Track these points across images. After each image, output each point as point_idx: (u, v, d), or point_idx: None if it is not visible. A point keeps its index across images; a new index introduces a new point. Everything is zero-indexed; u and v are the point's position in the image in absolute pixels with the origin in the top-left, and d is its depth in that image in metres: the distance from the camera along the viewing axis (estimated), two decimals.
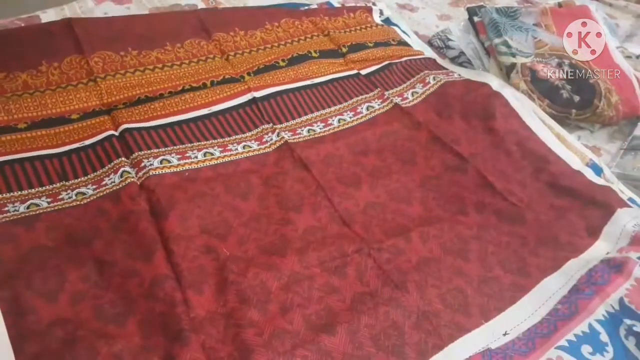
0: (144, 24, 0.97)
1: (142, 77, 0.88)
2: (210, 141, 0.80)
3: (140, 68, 0.89)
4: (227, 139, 0.81)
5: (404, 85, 1.01)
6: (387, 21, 1.22)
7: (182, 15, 1.02)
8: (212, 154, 0.77)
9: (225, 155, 0.78)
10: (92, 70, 0.86)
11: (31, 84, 0.82)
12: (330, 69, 1.00)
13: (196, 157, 0.76)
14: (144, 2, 1.15)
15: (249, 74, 0.94)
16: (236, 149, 0.79)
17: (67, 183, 0.70)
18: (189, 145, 0.79)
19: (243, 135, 0.83)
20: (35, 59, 0.86)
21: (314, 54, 1.02)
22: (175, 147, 0.77)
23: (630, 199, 0.82)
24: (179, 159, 0.75)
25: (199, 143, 0.79)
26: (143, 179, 0.70)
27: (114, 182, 0.70)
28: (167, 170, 0.73)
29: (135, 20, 0.98)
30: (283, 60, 0.99)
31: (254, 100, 0.89)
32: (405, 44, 1.15)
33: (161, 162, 0.73)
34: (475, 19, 1.13)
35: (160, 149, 0.77)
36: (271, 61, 0.98)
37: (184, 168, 0.74)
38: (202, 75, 0.92)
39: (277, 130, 0.84)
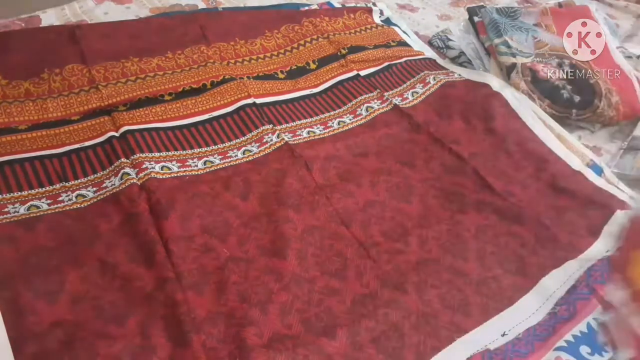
0: (146, 35, 0.98)
1: (142, 83, 0.88)
2: (211, 147, 0.81)
3: (141, 75, 0.90)
4: (227, 144, 0.82)
5: (404, 85, 1.01)
6: (387, 21, 1.23)
7: (184, 24, 1.02)
8: (212, 162, 0.78)
9: (225, 162, 0.78)
10: (94, 78, 0.87)
11: (33, 92, 0.83)
12: (329, 75, 1.00)
13: (196, 165, 0.77)
14: (144, 2, 1.16)
15: (248, 77, 0.95)
16: (236, 155, 0.80)
17: (67, 184, 0.70)
18: (189, 152, 0.79)
19: (243, 139, 0.83)
20: (37, 67, 0.86)
21: (312, 65, 1.02)
22: (175, 153, 0.78)
23: (631, 198, 0.82)
24: (179, 167, 0.75)
25: (200, 150, 0.80)
26: (144, 179, 0.71)
27: (114, 184, 0.70)
28: (168, 176, 0.73)
29: (137, 31, 0.99)
30: (282, 72, 0.99)
31: (254, 104, 0.89)
32: (405, 44, 1.15)
33: (162, 169, 0.74)
34: (476, 19, 1.13)
35: (162, 153, 0.77)
36: (271, 71, 0.99)
37: (184, 174, 0.75)
38: (202, 76, 0.92)
39: (277, 132, 0.84)
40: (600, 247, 0.73)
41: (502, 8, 1.14)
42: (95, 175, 0.72)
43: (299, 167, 0.78)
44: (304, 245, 0.67)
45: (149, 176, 0.71)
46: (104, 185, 0.71)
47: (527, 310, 0.65)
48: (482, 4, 1.29)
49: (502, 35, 1.07)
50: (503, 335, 0.62)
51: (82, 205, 0.68)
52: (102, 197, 0.69)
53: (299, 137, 0.85)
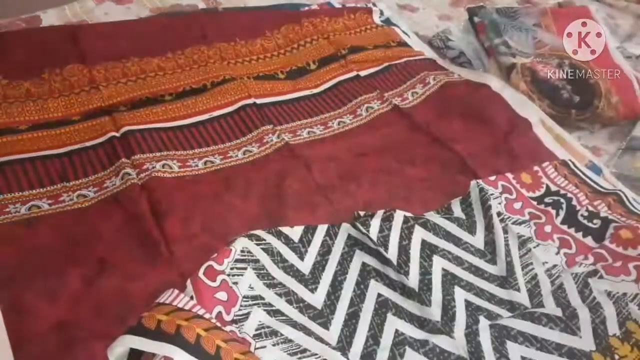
0: (146, 35, 0.98)
1: (143, 83, 0.89)
2: (211, 148, 0.81)
3: (141, 76, 0.90)
4: (227, 144, 0.82)
5: (404, 86, 1.01)
6: (387, 21, 1.23)
7: (184, 24, 1.02)
8: (212, 162, 0.78)
9: (225, 162, 0.78)
10: (95, 78, 0.87)
11: (34, 92, 0.83)
12: (329, 75, 1.01)
13: (197, 165, 0.77)
14: (145, 2, 1.16)
15: (248, 77, 0.95)
16: (236, 155, 0.80)
17: (67, 184, 0.71)
18: (190, 152, 0.79)
19: (244, 139, 0.83)
20: (38, 67, 0.87)
21: (312, 66, 1.02)
22: (176, 153, 0.78)
23: (632, 199, 0.82)
24: (179, 167, 0.75)
25: (200, 150, 0.80)
26: (145, 179, 0.71)
27: (115, 184, 0.70)
28: (169, 175, 0.73)
29: (138, 31, 0.99)
30: (282, 73, 0.99)
31: (254, 104, 0.89)
32: (405, 44, 1.15)
33: (163, 167, 0.74)
34: (476, 19, 1.13)
35: (162, 153, 0.77)
36: (270, 71, 0.99)
37: (185, 174, 0.75)
38: (202, 77, 0.92)
39: (277, 132, 0.84)
40: None
41: (502, 8, 1.14)
42: (96, 176, 0.73)
43: (299, 167, 0.78)
44: None
45: (150, 176, 0.71)
46: (105, 185, 0.71)
47: None
48: (482, 4, 1.29)
49: (502, 35, 1.07)
50: None
51: (83, 205, 0.68)
52: (103, 197, 0.69)
53: (299, 137, 0.86)
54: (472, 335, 0.59)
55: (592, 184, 0.82)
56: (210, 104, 0.88)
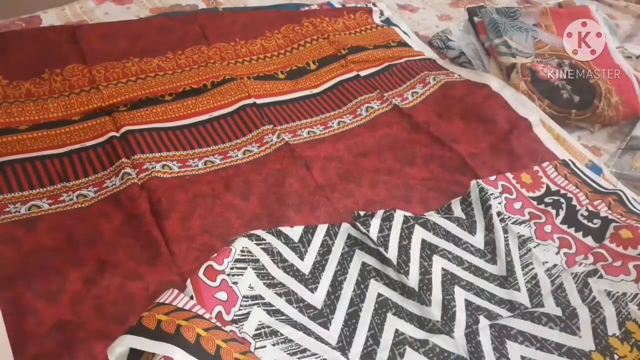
0: (146, 35, 0.98)
1: (143, 83, 0.89)
2: (212, 147, 0.81)
3: (141, 76, 0.90)
4: (227, 144, 0.82)
5: (404, 86, 1.01)
6: (388, 21, 1.23)
7: (184, 24, 1.02)
8: (212, 162, 0.78)
9: (225, 162, 0.78)
10: (95, 78, 0.87)
11: (34, 92, 0.83)
12: (329, 75, 1.01)
13: (197, 165, 0.77)
14: (145, 2, 1.16)
15: (248, 77, 0.95)
16: (236, 155, 0.80)
17: (67, 184, 0.71)
18: (190, 152, 0.79)
19: (244, 139, 0.83)
20: (38, 67, 0.87)
21: (312, 66, 1.02)
22: (176, 153, 0.78)
23: (632, 198, 0.82)
24: (179, 167, 0.76)
25: (200, 150, 0.80)
26: (145, 179, 0.71)
27: (115, 184, 0.71)
28: (168, 176, 0.73)
29: (138, 31, 0.99)
30: (282, 73, 1.00)
31: (254, 104, 0.89)
32: (405, 44, 1.15)
33: (162, 168, 0.74)
34: (476, 19, 1.13)
35: (162, 154, 0.77)
36: (271, 71, 0.99)
37: (185, 174, 0.75)
38: (202, 77, 0.92)
39: (277, 132, 0.84)
40: None
41: (502, 8, 1.14)
42: (96, 175, 0.73)
43: (299, 167, 0.78)
44: None
45: (150, 176, 0.71)
46: (105, 185, 0.71)
47: None
48: (482, 4, 1.30)
49: (502, 35, 1.07)
50: None
51: (83, 205, 0.68)
52: (102, 197, 0.69)
53: (299, 137, 0.86)
54: (472, 335, 0.59)
55: (592, 183, 0.82)
56: (210, 104, 0.89)
